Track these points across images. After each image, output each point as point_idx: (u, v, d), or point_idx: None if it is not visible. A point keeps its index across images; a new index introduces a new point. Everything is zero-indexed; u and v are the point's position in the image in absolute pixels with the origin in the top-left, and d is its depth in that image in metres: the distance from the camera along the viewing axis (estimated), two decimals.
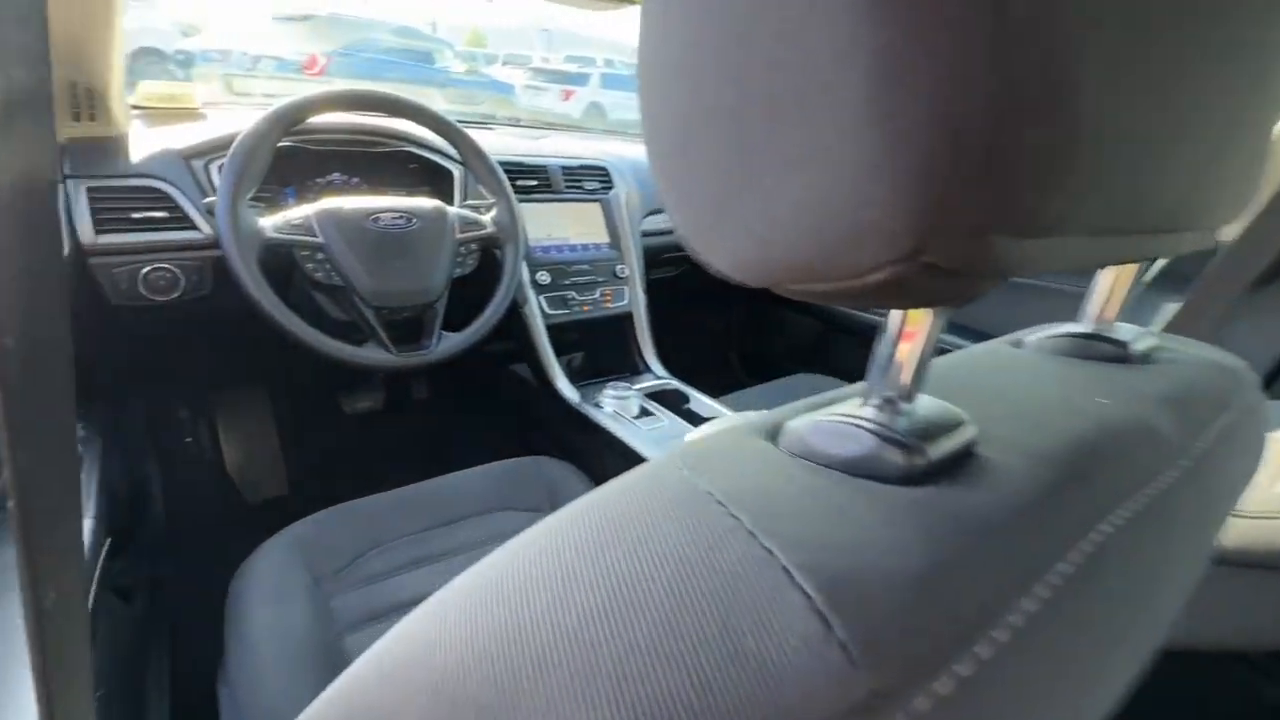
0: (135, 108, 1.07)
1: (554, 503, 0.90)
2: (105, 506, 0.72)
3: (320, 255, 0.83)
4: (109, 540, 0.69)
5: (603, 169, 1.29)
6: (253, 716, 0.58)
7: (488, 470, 0.92)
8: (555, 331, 1.15)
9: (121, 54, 0.89)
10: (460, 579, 0.20)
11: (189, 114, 1.11)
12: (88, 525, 0.64)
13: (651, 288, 1.30)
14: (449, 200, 1.09)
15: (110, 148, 0.90)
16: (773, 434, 0.24)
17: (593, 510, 0.20)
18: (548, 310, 1.14)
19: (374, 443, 1.50)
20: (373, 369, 0.85)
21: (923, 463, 0.20)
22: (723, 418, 0.90)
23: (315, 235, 0.83)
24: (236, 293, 0.78)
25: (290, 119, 0.83)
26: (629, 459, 0.95)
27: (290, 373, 1.33)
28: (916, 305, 0.19)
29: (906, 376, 0.21)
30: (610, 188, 1.29)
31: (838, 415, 0.22)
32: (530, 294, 1.13)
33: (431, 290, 0.90)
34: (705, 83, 0.16)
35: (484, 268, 0.99)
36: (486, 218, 0.98)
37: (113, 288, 0.84)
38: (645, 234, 1.31)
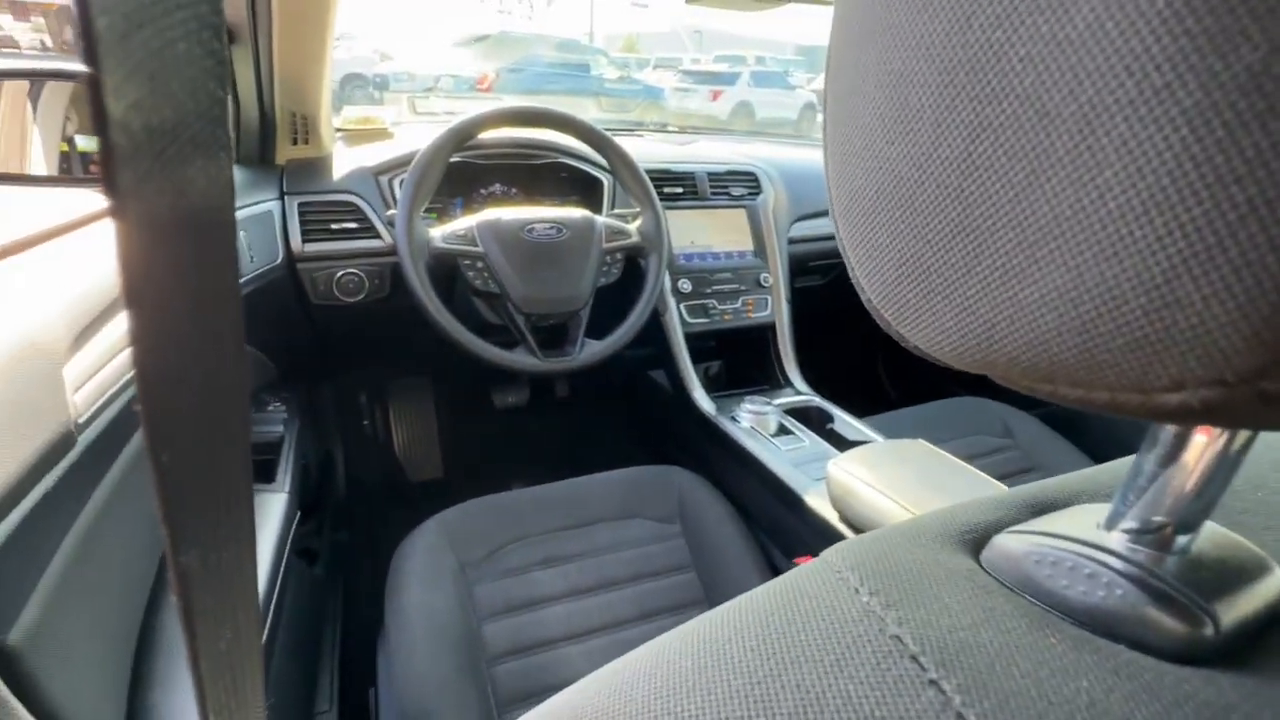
0: (338, 130, 1.22)
1: (684, 515, 0.89)
2: (298, 481, 0.83)
3: (480, 264, 0.88)
4: (299, 513, 0.79)
5: (750, 174, 1.26)
6: (404, 686, 0.63)
7: (621, 476, 0.93)
8: (694, 340, 1.14)
9: (330, 86, 1.02)
10: (616, 671, 0.18)
11: (381, 134, 1.25)
12: (284, 499, 0.74)
13: (796, 297, 1.25)
14: (599, 209, 1.12)
15: (318, 167, 1.03)
16: (975, 547, 0.19)
17: (758, 634, 0.16)
18: (688, 318, 1.14)
19: (518, 436, 1.59)
20: (520, 372, 0.89)
21: (1211, 634, 0.14)
22: (872, 445, 0.83)
23: (476, 245, 0.88)
24: (409, 296, 0.86)
25: (460, 137, 0.89)
26: (765, 480, 0.91)
27: (451, 367, 1.45)
28: (1228, 427, 0.14)
29: (1185, 499, 0.15)
30: (758, 193, 1.25)
31: (1070, 541, 0.16)
32: (671, 302, 1.13)
33: (578, 298, 0.92)
34: (921, 121, 0.13)
35: (628, 275, 1.00)
36: (632, 226, 0.99)
37: (313, 289, 0.96)
38: (792, 241, 1.27)
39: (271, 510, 0.72)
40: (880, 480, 0.71)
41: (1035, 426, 1.11)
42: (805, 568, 0.18)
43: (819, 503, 0.80)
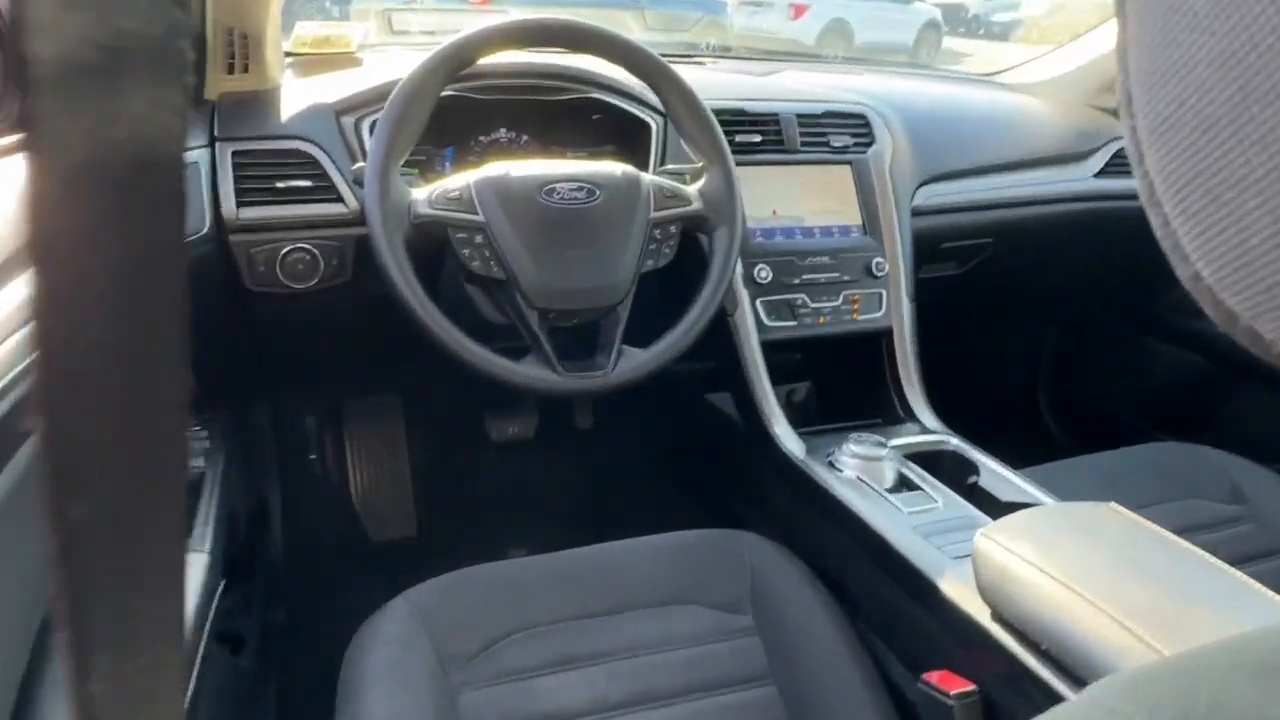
0: (289, 54, 1.25)
1: (758, 601, 0.87)
2: (222, 538, 0.83)
3: (479, 238, 0.88)
4: (222, 581, 0.79)
5: (859, 117, 1.25)
6: None
7: (668, 542, 0.92)
8: (775, 351, 1.14)
9: None
10: None
11: (345, 60, 1.27)
12: (202, 563, 0.74)
13: (922, 291, 1.23)
14: (643, 164, 1.11)
15: (262, 103, 1.05)
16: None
17: None
18: (766, 320, 1.13)
19: (522, 482, 1.59)
20: (531, 392, 0.89)
21: None
22: (1038, 509, 0.80)
23: (474, 212, 0.88)
24: (378, 280, 0.86)
25: (454, 63, 0.90)
26: (877, 556, 0.88)
27: (430, 382, 1.46)
28: None
29: None
30: (869, 144, 1.24)
31: None
32: (743, 296, 1.12)
33: (614, 289, 0.91)
34: None
35: (684, 258, 0.99)
36: (692, 189, 0.99)
37: (249, 270, 0.97)
38: (918, 212, 1.25)
39: (189, 575, 0.72)
40: (1053, 561, 0.68)
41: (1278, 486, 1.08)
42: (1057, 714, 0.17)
43: (960, 592, 0.77)
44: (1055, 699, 0.65)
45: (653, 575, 0.88)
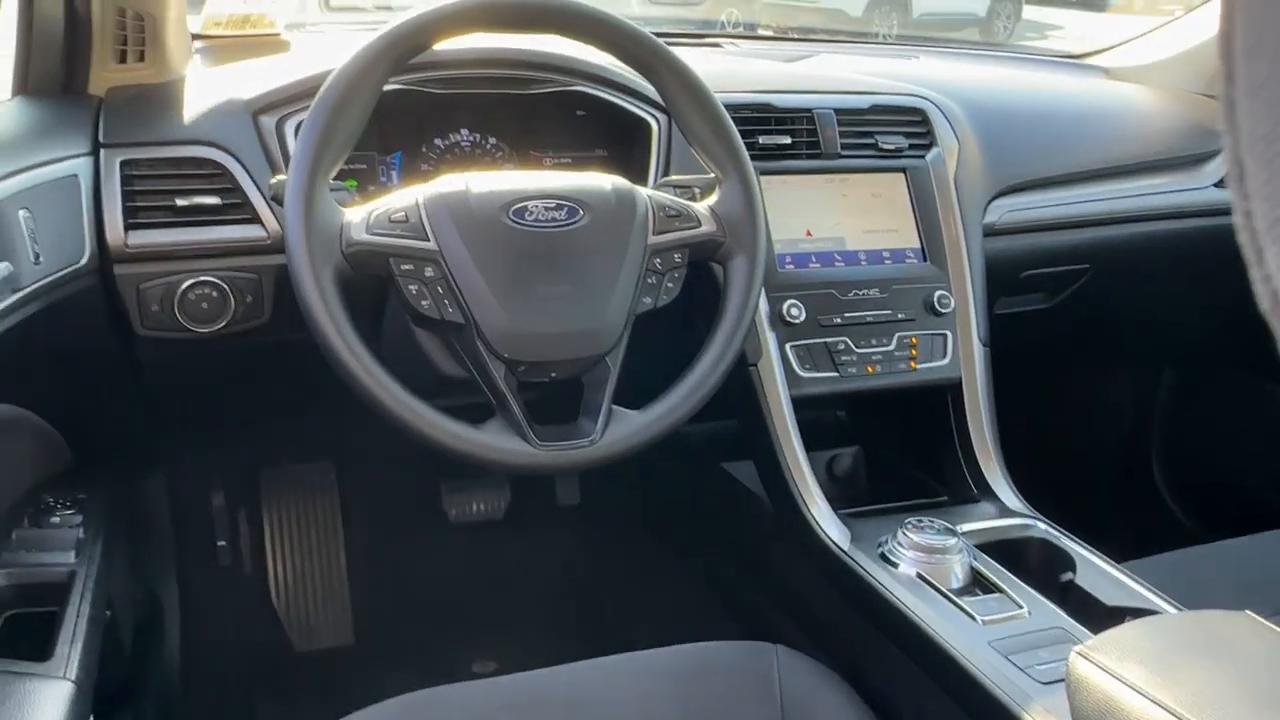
0: (198, 37, 1.26)
1: None
2: (95, 655, 0.82)
3: (430, 271, 0.88)
4: (90, 715, 0.78)
5: (916, 112, 1.26)
6: None
7: (676, 659, 0.91)
8: (810, 408, 1.13)
9: None
10: None
11: (268, 44, 1.29)
12: (66, 694, 0.73)
13: (1000, 332, 1.23)
14: (640, 174, 1.11)
15: (159, 99, 1.06)
16: None
17: None
18: (798, 371, 1.13)
19: (489, 576, 1.58)
20: (496, 468, 0.88)
21: None
22: (1153, 620, 0.78)
23: (425, 238, 0.88)
24: (302, 325, 0.86)
25: (401, 49, 0.90)
26: (944, 678, 0.87)
27: (370, 448, 1.46)
28: None
29: None
30: (928, 145, 1.25)
31: None
32: (769, 341, 1.12)
33: (602, 335, 0.91)
34: None
35: (692, 293, 0.99)
36: (703, 206, 0.99)
37: (141, 310, 0.98)
38: (993, 231, 1.26)
39: (44, 712, 0.71)
40: (1173, 690, 0.66)
41: None
42: None
43: None
44: None
45: (655, 704, 0.86)
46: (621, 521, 1.64)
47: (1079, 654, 0.73)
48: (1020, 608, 0.92)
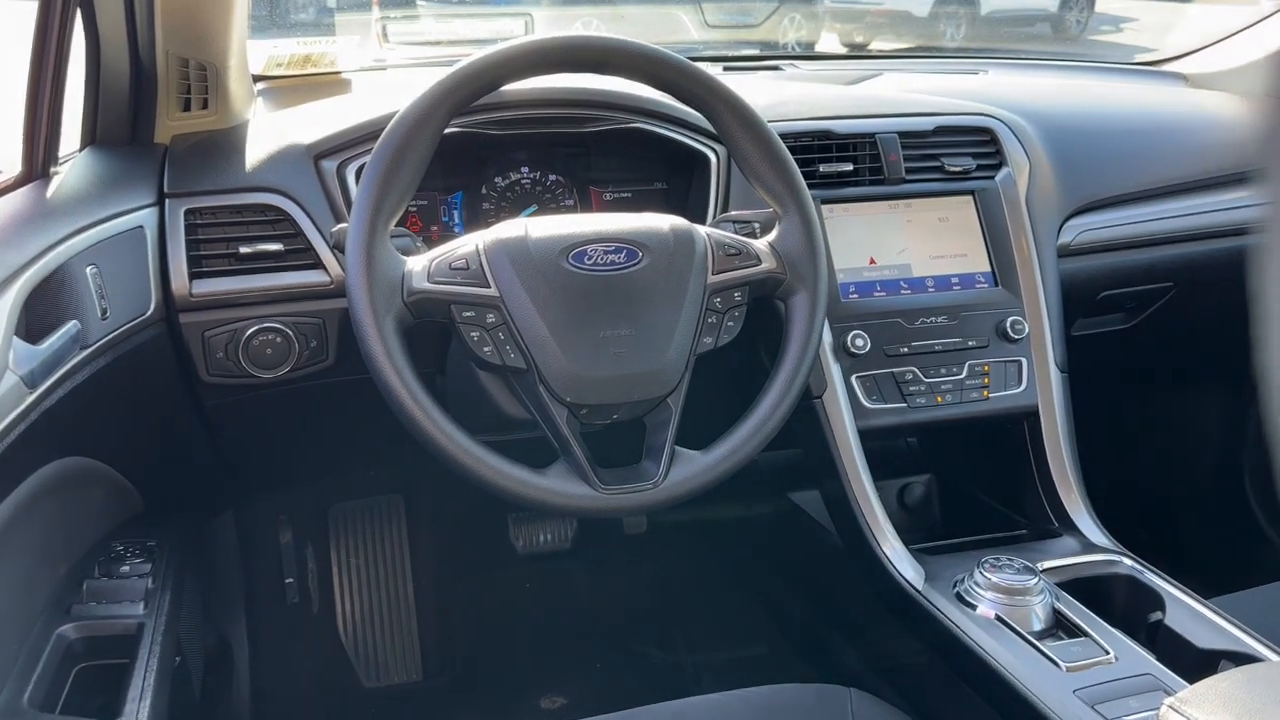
0: (260, 79, 1.29)
1: None
2: (165, 709, 0.83)
3: (491, 317, 0.88)
4: None
5: (984, 131, 1.24)
6: None
7: (748, 703, 0.90)
8: (878, 439, 1.12)
9: (245, 13, 1.08)
10: None
11: (329, 84, 1.31)
12: None
13: (1077, 354, 1.20)
14: (700, 207, 1.11)
15: (222, 147, 1.08)
16: None
17: None
18: (865, 402, 1.11)
19: (557, 607, 1.58)
20: (559, 512, 0.88)
21: None
22: (1253, 669, 0.74)
23: (486, 284, 0.89)
24: (366, 367, 0.87)
25: (461, 94, 0.91)
26: None
27: (438, 480, 1.47)
28: None
29: None
30: (997, 165, 1.23)
31: None
32: (834, 373, 1.11)
33: (663, 377, 0.91)
34: None
35: (754, 328, 0.98)
36: (763, 243, 0.98)
37: (207, 358, 1.00)
38: (1068, 252, 1.24)
39: None
40: None
41: None
42: None
43: None
44: None
45: None
46: (688, 551, 1.63)
47: (1171, 707, 0.70)
48: (1107, 653, 0.89)
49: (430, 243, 0.95)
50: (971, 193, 1.21)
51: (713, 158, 1.12)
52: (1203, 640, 0.91)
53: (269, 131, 1.10)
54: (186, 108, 1.08)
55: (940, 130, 1.23)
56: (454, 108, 0.90)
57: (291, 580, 1.46)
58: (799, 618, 1.34)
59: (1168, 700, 0.69)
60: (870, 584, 1.07)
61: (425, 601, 1.53)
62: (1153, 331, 1.34)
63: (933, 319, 1.15)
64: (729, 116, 0.96)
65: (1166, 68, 1.64)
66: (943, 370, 1.14)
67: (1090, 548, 1.08)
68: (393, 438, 0.91)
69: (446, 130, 0.92)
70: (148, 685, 0.81)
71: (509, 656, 1.51)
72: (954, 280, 1.18)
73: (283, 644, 1.43)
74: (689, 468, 0.92)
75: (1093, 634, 0.92)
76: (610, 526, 1.59)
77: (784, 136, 1.00)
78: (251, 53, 1.19)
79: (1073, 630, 0.93)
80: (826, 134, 1.18)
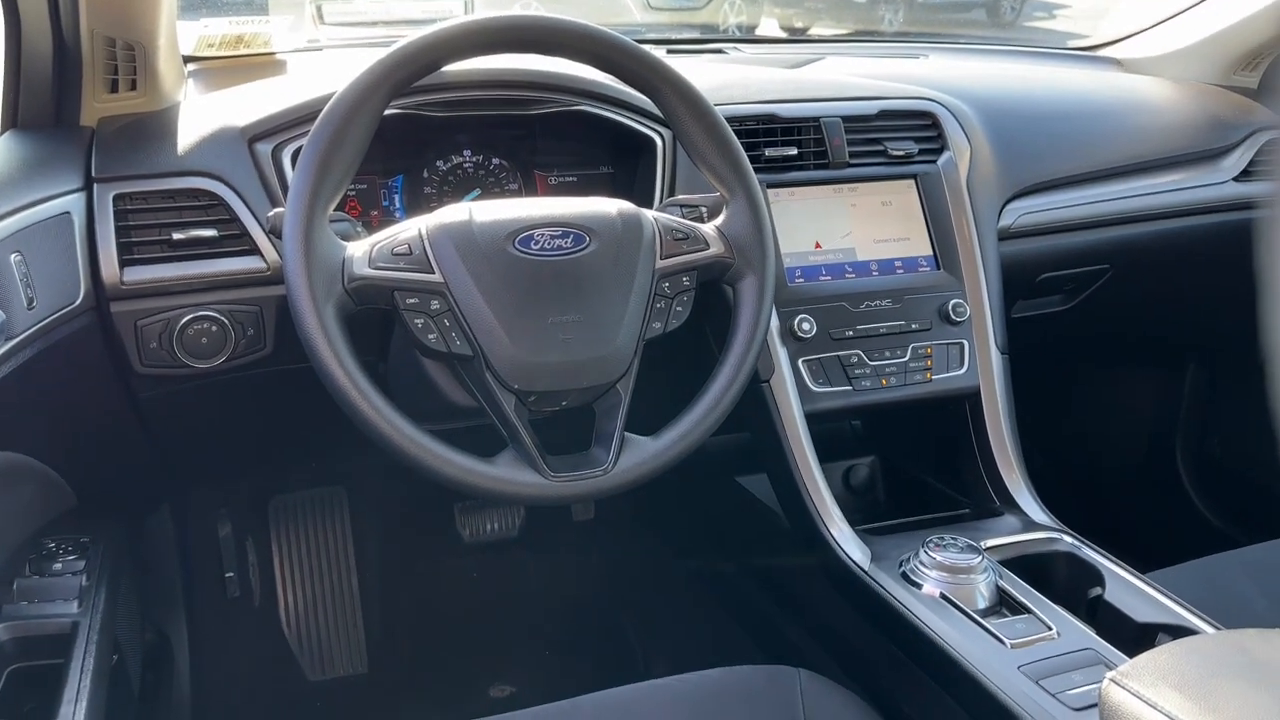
0: (190, 60, 1.26)
1: None
2: (102, 710, 0.81)
3: (436, 304, 0.87)
4: None
5: (925, 116, 1.25)
6: None
7: (697, 686, 0.91)
8: (824, 422, 1.13)
9: None
10: None
11: (264, 65, 1.28)
12: None
13: (1017, 336, 1.22)
14: (646, 191, 1.11)
15: (153, 129, 1.05)
16: None
17: None
18: (811, 385, 1.12)
19: (505, 595, 1.58)
20: (513, 501, 0.87)
21: None
22: (1190, 642, 0.76)
23: (430, 270, 0.88)
24: (306, 356, 0.86)
25: (401, 74, 0.89)
26: (981, 710, 0.86)
27: (382, 470, 1.45)
28: None
29: None
30: (939, 150, 1.24)
31: None
32: (780, 357, 1.11)
33: (612, 363, 0.91)
34: None
35: (702, 312, 0.99)
36: (710, 226, 0.98)
37: (140, 348, 0.97)
38: (1008, 234, 1.25)
39: None
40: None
41: None
42: None
43: None
44: None
45: None
46: (637, 536, 1.63)
47: (1112, 680, 0.71)
48: (1049, 629, 0.91)
49: (370, 228, 0.93)
50: (914, 176, 1.22)
51: (659, 141, 1.12)
52: (1141, 614, 0.93)
53: (201, 113, 1.07)
54: (114, 89, 1.05)
55: (883, 114, 1.23)
56: (393, 89, 0.89)
57: (232, 574, 1.43)
58: (749, 601, 1.35)
59: (1109, 674, 0.71)
60: (818, 565, 1.08)
61: (370, 593, 1.52)
62: (1091, 313, 1.37)
63: (877, 302, 1.15)
64: (674, 99, 0.96)
65: (1101, 53, 1.67)
66: (886, 353, 1.15)
67: (1031, 525, 1.09)
68: (334, 428, 0.89)
69: (386, 112, 0.91)
70: (84, 686, 0.79)
71: (457, 647, 1.51)
72: (897, 264, 1.19)
73: (224, 639, 1.41)
74: (639, 454, 0.92)
75: (1035, 610, 0.94)
76: (558, 514, 1.59)
77: (729, 120, 1.00)
78: (182, 32, 1.16)
79: (1016, 607, 0.95)
80: (771, 118, 1.18)
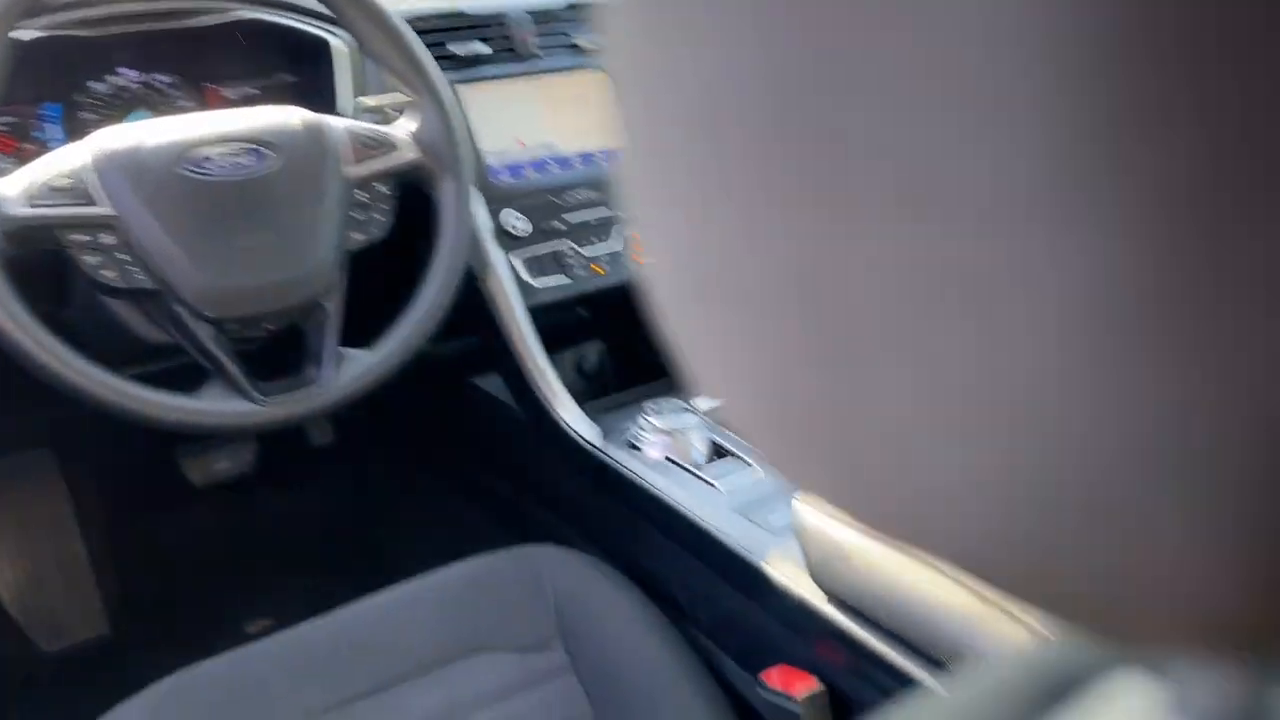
0: None
1: (568, 630, 0.90)
2: None
3: (108, 238, 0.83)
4: None
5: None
6: None
7: (448, 578, 0.93)
8: (548, 315, 1.16)
9: None
10: None
11: None
12: None
13: None
14: (329, 102, 1.08)
15: None
16: None
17: None
18: (530, 281, 1.15)
19: (250, 532, 1.55)
20: (224, 432, 0.86)
21: None
22: None
23: (96, 202, 0.83)
24: None
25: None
26: (695, 546, 0.93)
27: (92, 426, 1.37)
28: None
29: None
30: None
31: None
32: (496, 256, 1.13)
33: (313, 279, 0.90)
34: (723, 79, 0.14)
35: (406, 222, 0.99)
36: (402, 131, 0.98)
37: None
38: None
39: None
40: None
41: None
42: None
43: (788, 573, 0.83)
44: (911, 686, 0.71)
45: (434, 626, 0.88)
46: (380, 452, 1.63)
47: (801, 502, 0.80)
48: (753, 468, 0.99)
49: (26, 162, 0.86)
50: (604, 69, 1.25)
51: (338, 44, 1.09)
52: None
53: None
54: None
55: (572, 8, 1.25)
56: (19, 11, 0.82)
57: None
58: (496, 493, 1.39)
59: (798, 496, 0.80)
60: (551, 446, 1.12)
61: (100, 553, 1.44)
62: None
63: (582, 193, 1.19)
64: (349, 2, 0.94)
65: None
66: (597, 241, 1.19)
67: None
68: (19, 387, 0.85)
69: (27, 37, 0.84)
70: None
71: (204, 592, 1.46)
72: (596, 155, 1.22)
73: None
74: (356, 366, 0.93)
75: (744, 456, 1.01)
76: (297, 443, 1.56)
77: (413, 19, 0.99)
78: None
79: (732, 453, 1.02)
80: (457, 14, 1.17)
